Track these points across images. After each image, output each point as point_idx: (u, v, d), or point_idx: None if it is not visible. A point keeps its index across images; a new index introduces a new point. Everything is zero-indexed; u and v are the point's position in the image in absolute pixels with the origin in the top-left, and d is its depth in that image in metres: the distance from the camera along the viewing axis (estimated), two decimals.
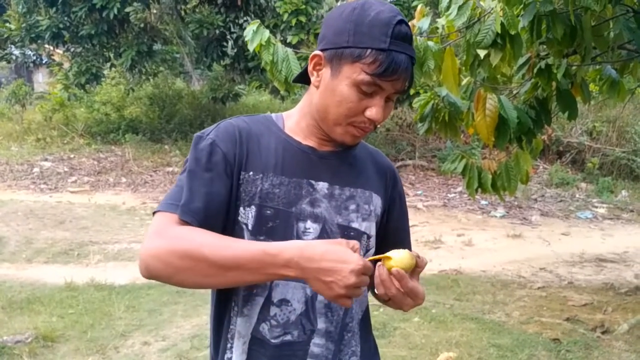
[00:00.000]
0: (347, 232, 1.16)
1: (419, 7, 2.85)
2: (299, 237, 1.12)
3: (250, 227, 1.11)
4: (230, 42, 11.56)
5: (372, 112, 1.07)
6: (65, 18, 10.96)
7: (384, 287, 1.03)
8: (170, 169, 11.01)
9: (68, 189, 9.60)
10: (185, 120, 13.22)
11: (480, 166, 3.20)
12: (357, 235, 1.17)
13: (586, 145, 12.12)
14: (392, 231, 1.30)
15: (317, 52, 1.10)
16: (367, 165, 1.24)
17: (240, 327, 1.13)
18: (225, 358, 1.15)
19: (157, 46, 12.70)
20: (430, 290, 5.03)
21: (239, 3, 10.59)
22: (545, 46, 2.86)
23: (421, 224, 7.94)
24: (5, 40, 12.08)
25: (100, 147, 12.06)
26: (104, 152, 11.83)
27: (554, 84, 2.89)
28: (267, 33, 2.64)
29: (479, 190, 3.23)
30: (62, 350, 3.70)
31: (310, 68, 1.12)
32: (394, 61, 1.03)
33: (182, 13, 11.95)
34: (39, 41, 11.83)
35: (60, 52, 13.59)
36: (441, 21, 2.71)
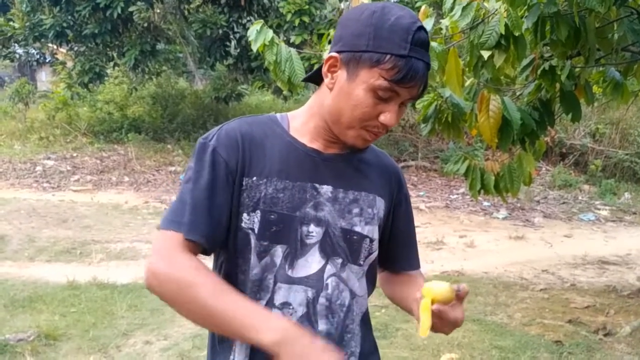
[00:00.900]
0: (349, 236, 1.16)
1: (423, 7, 2.85)
2: (302, 241, 1.12)
3: (256, 232, 1.10)
4: (234, 42, 11.57)
5: (387, 117, 1.07)
6: (69, 17, 10.98)
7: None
8: (173, 168, 11.02)
9: (71, 187, 9.61)
10: (188, 120, 13.23)
11: (483, 167, 3.20)
12: (360, 238, 1.17)
13: (589, 147, 12.10)
14: (398, 234, 1.30)
15: (334, 53, 1.08)
16: (372, 168, 1.23)
17: None
18: None
19: (160, 46, 12.72)
20: None
21: (243, 3, 10.60)
22: (549, 47, 2.86)
23: (423, 225, 7.93)
24: (9, 39, 12.09)
25: (103, 146, 12.08)
26: (106, 151, 11.85)
27: (557, 85, 2.89)
28: (270, 33, 2.65)
29: (482, 191, 3.23)
30: (64, 348, 3.70)
31: (324, 69, 1.11)
32: (412, 68, 1.02)
33: (186, 13, 11.96)
34: (42, 40, 11.86)
35: (64, 51, 13.61)
36: (445, 22, 2.71)
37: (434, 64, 2.56)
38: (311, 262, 1.13)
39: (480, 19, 2.47)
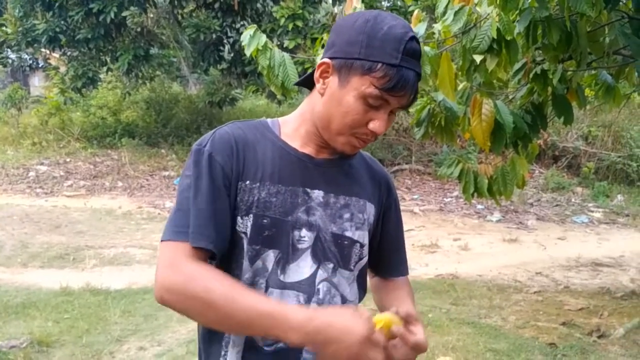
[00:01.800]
0: (340, 241, 1.16)
1: (416, 12, 2.87)
2: (294, 245, 1.12)
3: (248, 236, 1.11)
4: (227, 47, 11.57)
5: (376, 125, 1.08)
6: (62, 22, 10.95)
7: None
8: (167, 173, 10.99)
9: (64, 193, 9.57)
10: (182, 125, 13.21)
11: (477, 171, 3.21)
12: (350, 243, 1.17)
13: (582, 149, 12.16)
14: (387, 239, 1.30)
15: (326, 59, 1.09)
16: (362, 173, 1.24)
17: (235, 337, 1.12)
18: None
19: (153, 50, 12.69)
20: (427, 294, 5.03)
21: (236, 7, 10.60)
22: (541, 51, 2.88)
23: (417, 229, 7.94)
24: (2, 44, 12.05)
25: (96, 151, 12.03)
26: (100, 156, 11.81)
27: (549, 89, 2.90)
28: (264, 37, 2.65)
29: (475, 194, 3.24)
30: (57, 355, 3.68)
31: (316, 75, 1.11)
32: (403, 77, 1.03)
33: (179, 17, 11.96)
34: (35, 45, 11.81)
35: (57, 55, 13.57)
36: (437, 26, 2.72)
37: (427, 68, 2.57)
38: (303, 267, 1.13)
39: (473, 24, 2.49)
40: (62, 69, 12.67)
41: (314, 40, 8.97)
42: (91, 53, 11.70)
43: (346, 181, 1.20)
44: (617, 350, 3.92)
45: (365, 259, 1.23)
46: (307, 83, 1.19)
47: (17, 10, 11.17)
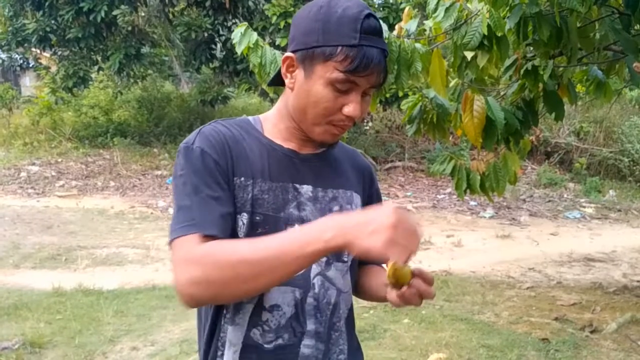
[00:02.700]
0: None
1: (407, 9, 2.87)
2: None
3: (243, 234, 1.10)
4: (219, 45, 11.55)
5: (350, 108, 1.07)
6: (52, 21, 10.89)
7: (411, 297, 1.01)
8: (159, 172, 10.95)
9: (56, 193, 9.52)
10: (174, 124, 13.17)
11: (469, 167, 3.21)
12: None
13: (574, 145, 12.23)
14: None
15: (289, 54, 1.10)
16: (346, 166, 1.25)
17: (231, 336, 1.12)
18: None
19: (145, 49, 12.65)
20: None
21: (227, 6, 10.58)
22: (531, 48, 2.88)
23: None
24: None
25: (88, 151, 11.98)
26: (92, 156, 11.75)
27: (540, 85, 2.91)
28: (255, 35, 2.64)
29: (468, 191, 3.24)
30: (49, 356, 3.66)
31: (283, 70, 1.11)
32: (365, 56, 1.02)
33: (170, 16, 11.92)
34: (25, 44, 11.76)
35: (48, 55, 13.49)
36: (428, 23, 2.72)
37: (418, 65, 2.57)
38: None
39: (463, 20, 2.49)
40: (53, 69, 12.62)
41: None
42: (82, 52, 11.65)
43: (332, 174, 1.20)
44: (609, 345, 3.94)
45: None
46: (280, 81, 1.19)
47: (6, 10, 11.11)
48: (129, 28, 11.14)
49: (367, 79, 1.05)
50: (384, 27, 2.45)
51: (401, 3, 8.72)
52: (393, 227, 0.90)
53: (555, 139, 12.28)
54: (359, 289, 1.32)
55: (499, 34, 2.39)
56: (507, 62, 2.93)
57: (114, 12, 10.41)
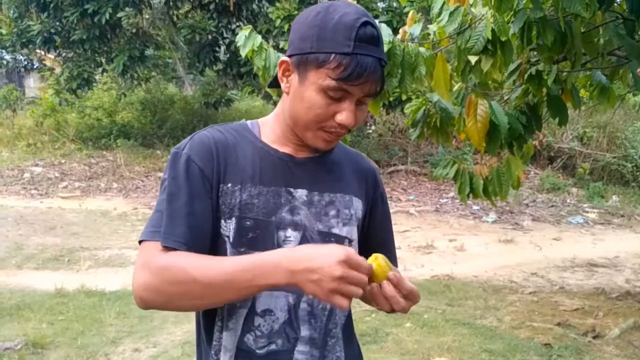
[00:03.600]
0: (328, 239, 1.15)
1: (411, 13, 2.87)
2: (279, 246, 1.11)
3: (231, 239, 1.10)
4: (223, 48, 11.58)
5: (342, 116, 1.06)
6: (57, 23, 10.93)
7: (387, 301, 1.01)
8: (162, 174, 10.96)
9: (59, 194, 9.54)
10: (178, 126, 13.19)
11: (472, 171, 3.21)
12: (339, 240, 1.16)
13: (577, 150, 12.21)
14: (375, 233, 1.29)
15: (285, 58, 1.10)
16: (346, 169, 1.23)
17: (226, 341, 1.12)
18: None
19: (149, 51, 12.69)
20: (422, 295, 4.98)
21: (232, 8, 10.60)
22: (535, 52, 2.88)
23: (413, 229, 7.95)
24: None
25: (91, 153, 12.00)
26: (95, 158, 11.78)
27: (544, 90, 2.91)
28: (259, 38, 2.65)
29: (471, 195, 3.24)
30: (51, 357, 3.66)
31: (279, 74, 1.12)
32: (359, 64, 1.01)
33: (175, 18, 11.95)
34: (30, 46, 11.79)
35: (52, 57, 13.54)
36: (432, 27, 2.72)
37: (422, 69, 2.57)
38: None
39: (467, 24, 2.49)
40: (57, 70, 12.65)
41: None
42: (86, 54, 11.69)
43: (330, 178, 1.19)
44: (612, 350, 3.93)
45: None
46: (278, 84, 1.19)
47: (11, 11, 11.15)
48: (133, 30, 11.18)
49: (361, 88, 1.04)
50: (388, 31, 2.47)
51: (405, 7, 8.73)
52: (338, 279, 0.91)
53: (558, 144, 12.26)
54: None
55: (503, 39, 2.39)
56: (511, 66, 2.93)
57: (119, 14, 10.44)
